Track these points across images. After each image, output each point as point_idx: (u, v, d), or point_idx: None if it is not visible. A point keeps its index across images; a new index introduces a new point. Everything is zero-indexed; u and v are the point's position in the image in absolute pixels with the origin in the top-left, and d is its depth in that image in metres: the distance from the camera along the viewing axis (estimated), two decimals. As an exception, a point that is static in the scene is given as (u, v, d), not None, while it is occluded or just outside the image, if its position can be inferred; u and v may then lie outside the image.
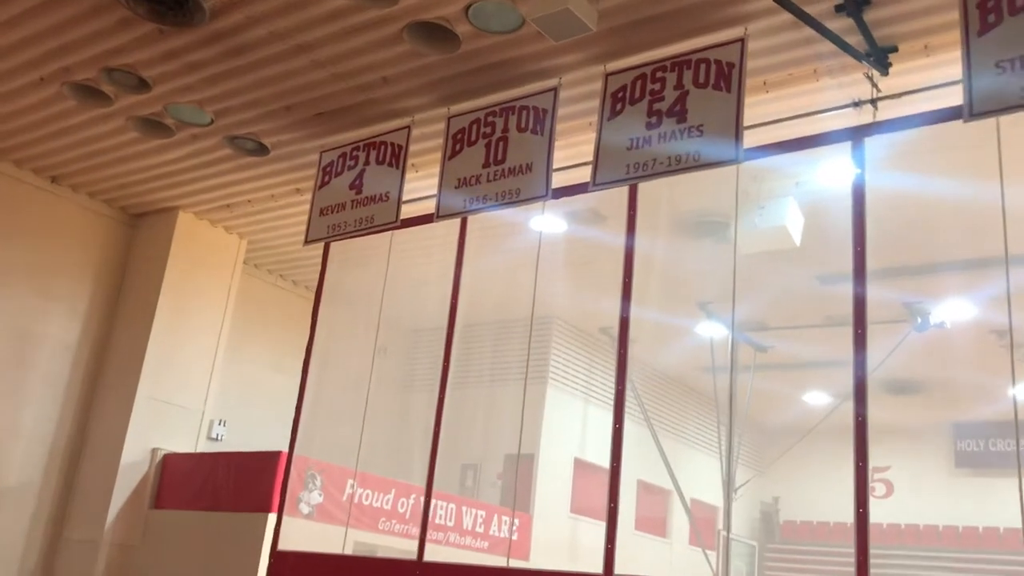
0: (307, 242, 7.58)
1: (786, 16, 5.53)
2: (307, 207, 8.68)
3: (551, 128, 6.26)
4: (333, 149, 7.57)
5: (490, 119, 6.64)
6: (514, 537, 10.59)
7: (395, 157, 7.17)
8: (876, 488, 14.78)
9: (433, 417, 7.38)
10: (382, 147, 7.27)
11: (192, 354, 9.53)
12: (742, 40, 5.53)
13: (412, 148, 7.20)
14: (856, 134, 5.64)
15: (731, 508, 10.95)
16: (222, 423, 9.95)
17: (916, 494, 13.79)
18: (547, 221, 8.62)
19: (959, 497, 13.40)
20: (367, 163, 7.34)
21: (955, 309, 9.68)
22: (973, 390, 11.65)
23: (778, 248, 7.43)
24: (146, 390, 9.12)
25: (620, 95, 5.97)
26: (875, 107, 5.70)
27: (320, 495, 8.47)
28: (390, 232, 7.53)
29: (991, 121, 5.01)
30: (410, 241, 8.41)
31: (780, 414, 12.70)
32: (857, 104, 5.76)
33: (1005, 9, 4.63)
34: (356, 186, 7.32)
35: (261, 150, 8.00)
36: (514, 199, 6.34)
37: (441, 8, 5.81)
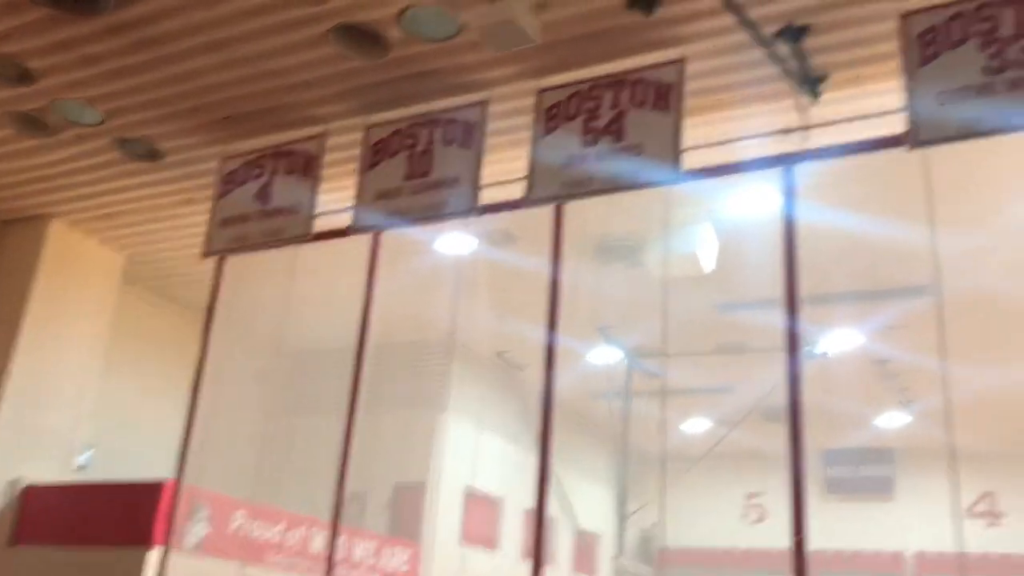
0: (206, 255, 7.07)
1: (720, 41, 5.56)
2: (197, 218, 8.14)
3: (480, 142, 6.06)
4: (236, 156, 7.11)
5: (413, 130, 6.38)
6: (404, 568, 10.20)
7: (307, 167, 6.79)
8: (750, 514, 15.16)
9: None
10: (292, 156, 6.87)
11: (62, 375, 8.72)
12: (681, 61, 5.51)
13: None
14: (786, 161, 5.72)
15: (624, 536, 10.92)
16: (90, 450, 9.15)
17: (789, 520, 14.19)
18: (456, 241, 8.40)
19: (830, 522, 13.87)
20: (275, 172, 6.92)
21: (842, 339, 10.02)
22: (849, 417, 12.12)
23: (691, 274, 7.47)
24: (9, 414, 8.26)
25: (554, 112, 5.84)
26: (805, 135, 5.79)
27: (206, 527, 7.86)
28: (293, 247, 7.18)
29: (909, 158, 5.18)
30: (311, 258, 8.01)
31: (664, 440, 12.82)
32: (788, 132, 5.84)
33: (945, 42, 4.77)
34: (263, 197, 6.89)
35: (153, 155, 7.44)
36: (438, 214, 6.11)
37: (373, 10, 5.54)
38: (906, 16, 4.94)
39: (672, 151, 5.36)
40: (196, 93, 6.51)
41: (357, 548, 9.57)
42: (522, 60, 5.88)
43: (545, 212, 6.17)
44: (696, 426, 13.21)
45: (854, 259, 8.61)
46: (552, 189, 5.67)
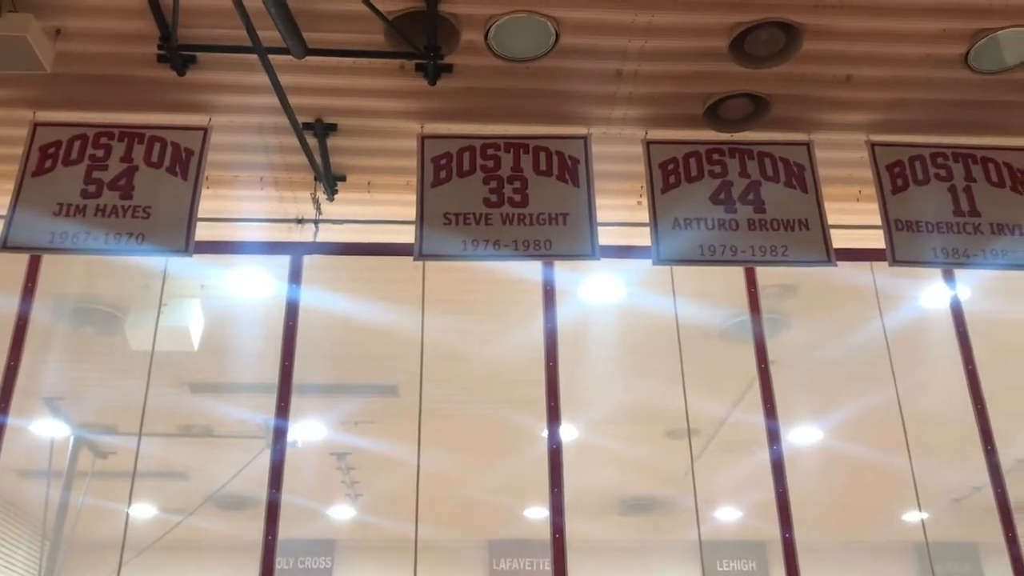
0: None
1: (246, 119, 5.48)
2: None
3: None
4: None
5: None
6: None
7: None
8: (183, 607, 14.35)
9: None
10: None
11: None
12: (205, 129, 5.31)
13: None
14: (297, 249, 5.78)
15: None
16: None
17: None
18: None
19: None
20: None
21: (308, 429, 10.18)
22: (298, 510, 12.26)
23: (176, 349, 7.04)
24: None
25: (51, 151, 5.20)
26: (316, 228, 5.91)
27: None
28: None
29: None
30: None
31: (104, 527, 11.68)
32: (301, 221, 5.91)
33: (455, 170, 5.27)
34: None
35: None
36: None
37: None
38: (424, 139, 5.38)
39: (184, 221, 5.07)
40: None
41: None
42: (17, 85, 5.15)
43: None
44: (143, 512, 12.25)
45: (330, 352, 8.89)
46: (38, 238, 4.97)
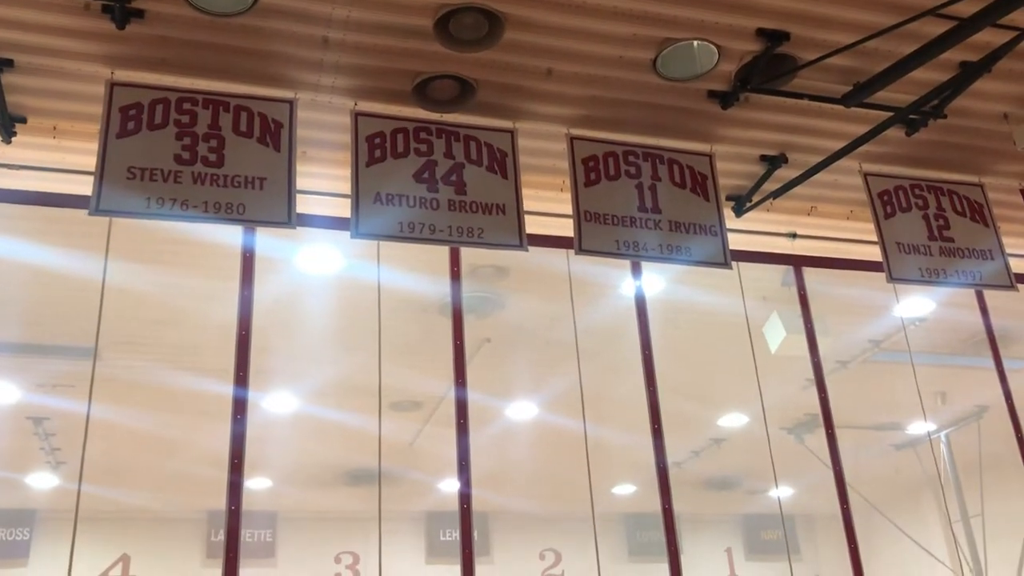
0: None
1: None
2: None
3: None
4: None
5: None
6: None
7: None
8: None
9: None
10: None
11: None
12: None
13: None
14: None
15: None
16: None
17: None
18: None
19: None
20: None
21: (-1, 392, 9.37)
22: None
23: None
24: None
25: None
26: (-6, 171, 5.40)
27: None
28: None
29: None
30: None
31: None
32: (-29, 164, 5.36)
33: (145, 123, 4.96)
34: None
35: None
36: None
37: None
38: (113, 85, 5.03)
39: None
40: None
41: None
42: None
43: None
44: None
45: (21, 309, 8.18)
46: None
